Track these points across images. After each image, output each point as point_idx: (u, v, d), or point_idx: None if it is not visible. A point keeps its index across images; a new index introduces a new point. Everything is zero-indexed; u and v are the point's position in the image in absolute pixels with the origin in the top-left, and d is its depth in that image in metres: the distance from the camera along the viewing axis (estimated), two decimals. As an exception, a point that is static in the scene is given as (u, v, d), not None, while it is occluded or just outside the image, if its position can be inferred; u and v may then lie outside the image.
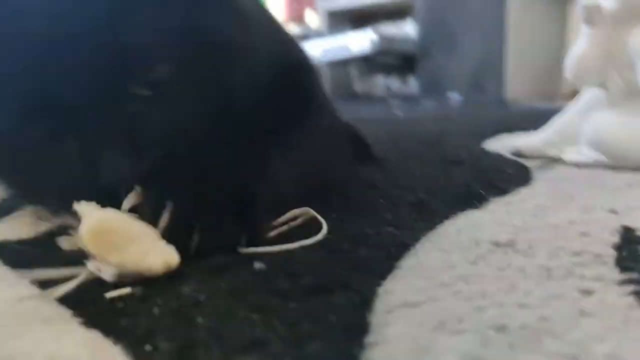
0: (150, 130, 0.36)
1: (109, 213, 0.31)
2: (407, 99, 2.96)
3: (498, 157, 0.73)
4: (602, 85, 0.62)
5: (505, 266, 0.31)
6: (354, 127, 0.71)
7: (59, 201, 0.38)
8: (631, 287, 0.27)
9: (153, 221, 0.32)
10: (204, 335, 0.23)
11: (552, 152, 0.68)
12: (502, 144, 0.84)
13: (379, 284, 0.29)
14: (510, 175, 0.60)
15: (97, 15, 0.34)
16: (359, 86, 3.16)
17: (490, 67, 2.63)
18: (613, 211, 0.42)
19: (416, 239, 0.37)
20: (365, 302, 0.27)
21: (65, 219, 0.37)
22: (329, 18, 3.21)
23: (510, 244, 0.34)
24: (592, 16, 0.61)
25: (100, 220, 0.30)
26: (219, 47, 0.39)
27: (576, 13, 2.13)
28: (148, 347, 0.23)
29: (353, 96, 2.93)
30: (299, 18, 3.19)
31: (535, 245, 0.34)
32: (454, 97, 2.75)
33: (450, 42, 2.78)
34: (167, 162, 0.37)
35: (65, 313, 0.26)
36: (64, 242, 0.34)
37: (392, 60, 3.13)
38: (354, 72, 3.14)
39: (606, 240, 0.34)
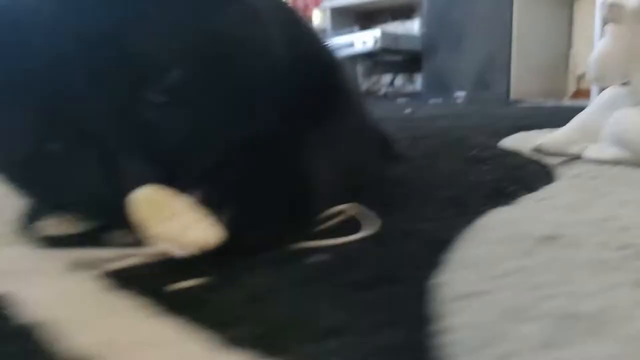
0: (171, 135, 0.36)
1: (159, 188, 0.32)
2: (413, 97, 2.97)
3: (519, 155, 0.74)
4: (626, 82, 0.63)
5: (553, 259, 0.32)
6: (379, 125, 0.72)
7: (83, 210, 0.39)
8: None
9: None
10: (283, 322, 0.24)
11: (574, 149, 0.69)
12: (520, 142, 0.85)
13: (433, 276, 0.30)
14: (535, 173, 0.61)
15: (108, 25, 0.34)
16: (364, 84, 3.16)
17: (496, 65, 2.64)
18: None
19: (457, 233, 0.38)
20: (425, 292, 0.28)
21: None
22: (333, 16, 3.21)
23: (554, 238, 0.35)
24: (615, 15, 0.62)
25: (150, 191, 0.31)
26: (233, 47, 0.39)
27: (581, 12, 2.13)
28: (230, 334, 0.24)
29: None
30: (305, 16, 3.19)
31: (579, 239, 0.35)
32: (460, 95, 2.76)
33: (456, 41, 2.79)
34: (199, 165, 0.37)
35: (141, 302, 0.27)
36: (112, 237, 0.35)
37: (398, 58, 3.13)
38: (359, 70, 3.14)
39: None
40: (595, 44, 2.37)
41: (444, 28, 2.86)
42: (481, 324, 0.24)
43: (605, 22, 0.63)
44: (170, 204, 0.31)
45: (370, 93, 3.03)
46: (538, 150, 0.73)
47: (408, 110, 1.83)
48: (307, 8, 3.16)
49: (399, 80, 3.46)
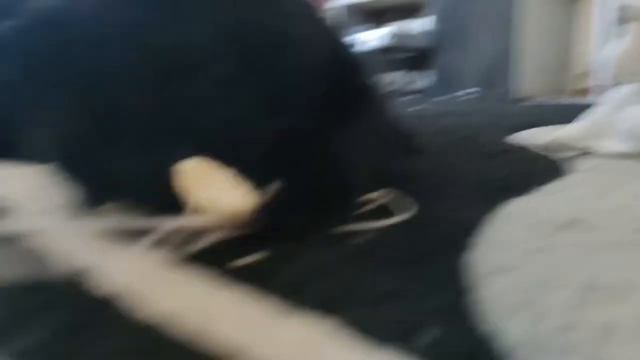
0: (214, 122, 0.38)
1: (202, 161, 0.35)
2: (421, 95, 2.99)
3: (531, 150, 0.77)
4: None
5: (574, 240, 0.35)
6: (399, 121, 0.75)
7: (131, 199, 0.40)
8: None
9: None
10: (341, 290, 0.28)
11: (585, 144, 0.72)
12: (530, 138, 0.88)
13: (464, 256, 0.33)
14: (549, 167, 0.64)
15: (161, 11, 0.37)
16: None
17: (502, 63, 2.66)
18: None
19: (481, 220, 0.41)
20: (459, 269, 0.31)
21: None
22: (343, 13, 3.23)
23: (572, 224, 0.38)
24: (629, 15, 0.65)
25: (193, 163, 0.34)
26: (275, 43, 0.42)
27: (584, 11, 2.15)
28: (294, 301, 0.27)
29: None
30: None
31: (596, 224, 0.38)
32: (468, 92, 2.79)
33: (463, 39, 2.82)
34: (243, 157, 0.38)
35: (208, 275, 0.30)
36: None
37: (407, 55, 3.16)
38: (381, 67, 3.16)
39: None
40: (597, 43, 2.40)
41: (452, 26, 2.88)
42: (512, 293, 0.28)
43: (621, 22, 0.66)
44: (210, 174, 0.34)
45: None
46: (550, 145, 0.76)
47: (416, 107, 1.85)
48: (320, 4, 3.18)
49: (408, 77, 3.48)
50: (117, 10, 0.38)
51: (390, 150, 0.59)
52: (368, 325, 0.24)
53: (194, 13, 0.39)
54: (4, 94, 0.45)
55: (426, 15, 3.06)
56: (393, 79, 3.29)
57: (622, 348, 0.22)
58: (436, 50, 2.96)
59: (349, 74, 0.55)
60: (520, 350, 0.23)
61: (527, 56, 2.64)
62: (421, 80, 3.26)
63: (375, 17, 3.31)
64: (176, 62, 0.37)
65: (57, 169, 0.44)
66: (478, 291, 0.28)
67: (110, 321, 0.25)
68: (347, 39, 0.61)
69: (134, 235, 0.34)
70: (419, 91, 3.17)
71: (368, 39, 2.89)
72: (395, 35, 2.95)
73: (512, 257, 0.33)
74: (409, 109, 1.77)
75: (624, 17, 0.67)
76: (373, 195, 0.44)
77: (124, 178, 0.39)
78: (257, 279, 0.29)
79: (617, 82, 0.72)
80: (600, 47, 2.34)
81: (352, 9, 3.17)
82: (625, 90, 0.70)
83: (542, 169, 0.61)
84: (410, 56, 3.17)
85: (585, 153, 0.71)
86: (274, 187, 0.35)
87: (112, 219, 0.37)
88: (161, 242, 0.33)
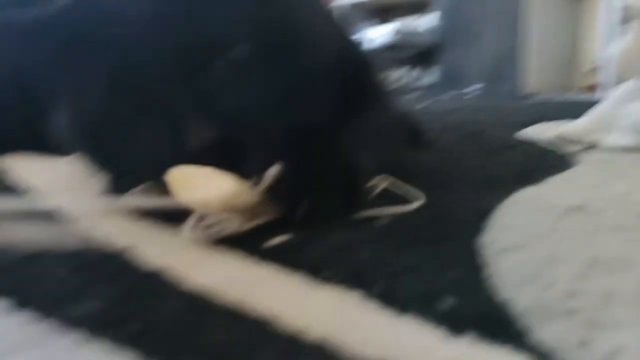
0: (232, 105, 0.39)
1: (189, 167, 0.35)
2: (427, 91, 3.01)
3: (540, 144, 0.79)
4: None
5: (580, 223, 0.37)
6: (409, 116, 0.77)
7: (151, 172, 0.41)
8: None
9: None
10: (366, 265, 0.30)
11: (593, 138, 0.74)
12: (538, 132, 0.91)
13: (478, 236, 0.36)
14: (556, 158, 0.67)
15: (180, 7, 0.38)
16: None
17: (508, 60, 2.68)
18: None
19: (494, 205, 0.43)
20: (474, 248, 0.34)
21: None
22: (348, 10, 3.25)
23: (580, 208, 0.41)
24: (631, 14, 0.67)
25: (179, 169, 0.35)
26: (296, 33, 0.43)
27: (591, 8, 2.15)
28: (323, 275, 0.30)
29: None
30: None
31: (602, 209, 0.40)
32: (472, 89, 2.80)
33: (469, 35, 2.83)
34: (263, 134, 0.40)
35: (242, 254, 0.33)
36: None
37: (412, 52, 3.18)
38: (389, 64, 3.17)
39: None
40: (605, 39, 2.41)
41: (458, 23, 2.90)
42: (521, 268, 0.30)
43: (624, 21, 0.68)
44: (196, 177, 0.34)
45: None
46: (559, 138, 0.78)
47: (424, 104, 1.88)
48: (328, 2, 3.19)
49: (413, 73, 3.50)
50: None
51: (400, 144, 0.62)
52: (390, 296, 0.27)
53: (219, 4, 0.41)
54: (34, 77, 0.47)
55: (431, 12, 3.07)
56: (399, 76, 3.30)
57: (622, 312, 0.25)
58: (441, 47, 2.97)
59: (359, 70, 0.57)
60: (528, 315, 0.25)
61: (533, 53, 2.65)
62: (426, 77, 3.28)
63: (380, 14, 3.33)
64: (199, 50, 0.38)
65: (83, 154, 0.47)
66: (490, 267, 0.31)
67: (159, 291, 0.28)
68: (356, 36, 0.64)
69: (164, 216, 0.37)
70: (425, 88, 3.19)
71: (373, 36, 2.90)
72: (400, 33, 2.97)
73: (522, 238, 0.35)
74: (416, 106, 1.79)
75: (627, 16, 0.69)
76: (384, 184, 0.46)
77: (146, 160, 0.40)
78: (287, 257, 0.32)
79: (620, 79, 0.74)
80: (607, 44, 2.35)
81: (357, 6, 3.19)
82: (627, 86, 0.72)
83: (549, 162, 0.64)
84: (415, 53, 3.18)
85: (591, 147, 0.73)
86: (273, 171, 0.35)
87: (143, 199, 0.39)
88: (198, 225, 0.35)
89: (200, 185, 0.34)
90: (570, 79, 2.82)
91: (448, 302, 0.26)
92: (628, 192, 0.45)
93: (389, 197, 0.45)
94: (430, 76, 3.18)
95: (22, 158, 0.64)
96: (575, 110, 1.37)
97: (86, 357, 0.22)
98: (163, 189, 0.36)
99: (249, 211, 0.35)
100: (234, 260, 0.32)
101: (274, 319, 0.25)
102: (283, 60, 0.42)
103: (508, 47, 2.65)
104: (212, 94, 0.39)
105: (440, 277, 0.29)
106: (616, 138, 0.70)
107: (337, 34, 0.55)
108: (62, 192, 0.48)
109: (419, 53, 3.16)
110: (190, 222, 0.35)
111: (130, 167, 0.43)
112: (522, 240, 0.35)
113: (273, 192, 0.35)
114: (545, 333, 0.23)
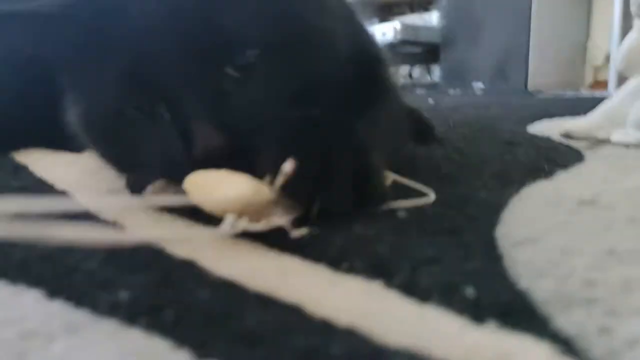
0: (242, 107, 0.39)
1: (205, 171, 0.35)
2: (431, 88, 3.01)
3: (548, 139, 0.80)
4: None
5: (595, 216, 0.38)
6: (419, 112, 0.78)
7: (160, 173, 0.42)
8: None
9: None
10: (387, 256, 0.31)
11: (600, 134, 0.75)
12: (547, 128, 0.91)
13: (493, 229, 0.37)
14: (566, 154, 0.67)
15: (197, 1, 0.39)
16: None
17: (514, 56, 2.67)
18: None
19: (507, 199, 0.44)
20: (490, 240, 0.35)
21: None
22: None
23: (593, 202, 0.41)
24: (636, 11, 0.68)
25: (195, 174, 0.36)
26: (308, 35, 0.43)
27: (599, 3, 2.16)
28: (345, 265, 0.31)
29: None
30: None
31: (614, 203, 0.41)
32: (478, 86, 2.80)
33: (474, 32, 2.83)
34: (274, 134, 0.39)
35: (265, 245, 0.34)
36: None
37: (416, 49, 3.18)
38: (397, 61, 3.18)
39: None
40: (613, 35, 2.41)
41: (462, 20, 2.89)
42: (539, 259, 0.31)
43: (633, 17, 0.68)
44: (213, 179, 0.35)
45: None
46: (567, 134, 0.79)
47: (430, 101, 1.88)
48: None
49: (417, 71, 3.50)
50: None
51: (410, 139, 0.62)
52: (412, 285, 0.28)
53: (231, 6, 0.41)
54: (48, 68, 0.48)
55: (438, 8, 3.07)
56: (407, 72, 3.30)
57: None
58: (448, 43, 2.97)
59: (372, 65, 0.58)
60: (548, 304, 0.26)
61: (542, 49, 2.65)
62: (434, 73, 3.28)
63: (387, 10, 3.33)
64: (211, 52, 0.39)
65: (93, 151, 0.47)
66: (507, 258, 0.32)
67: (189, 281, 0.28)
68: (374, 37, 0.64)
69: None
70: (432, 84, 3.19)
71: (380, 32, 2.90)
72: (407, 29, 2.97)
73: (536, 230, 0.36)
74: (425, 101, 1.80)
75: (637, 12, 0.69)
76: (399, 178, 0.47)
77: (155, 159, 0.41)
78: (308, 249, 0.33)
79: (627, 76, 0.75)
80: (618, 40, 2.35)
81: (364, 2, 3.19)
82: (636, 82, 0.73)
83: (559, 157, 0.64)
84: (422, 49, 3.18)
85: (600, 143, 0.74)
86: (288, 168, 0.35)
87: (163, 198, 0.40)
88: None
89: (218, 187, 0.34)
90: (579, 75, 2.82)
91: (469, 292, 0.27)
92: (638, 187, 0.46)
93: (397, 191, 0.46)
94: (438, 72, 3.18)
95: (39, 153, 0.65)
96: (583, 106, 1.38)
97: (122, 345, 0.23)
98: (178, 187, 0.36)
99: (268, 209, 0.35)
100: (258, 252, 0.33)
101: (302, 307, 0.26)
102: (295, 61, 0.42)
103: (517, 43, 2.65)
104: (223, 97, 0.39)
105: (459, 268, 0.30)
106: (623, 135, 0.71)
107: (350, 29, 0.55)
108: (82, 188, 0.49)
109: (426, 49, 3.16)
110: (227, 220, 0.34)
111: (140, 166, 0.43)
112: (536, 233, 0.35)
113: (288, 188, 0.35)
114: (565, 321, 0.24)
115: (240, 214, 0.33)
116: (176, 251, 0.32)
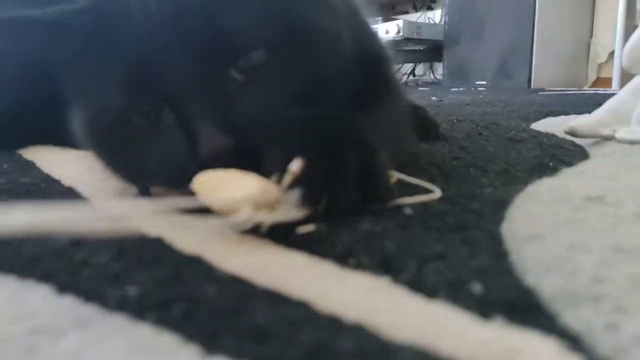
0: (245, 108, 0.39)
1: (213, 171, 0.35)
2: (434, 86, 3.01)
3: (553, 137, 0.80)
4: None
5: (601, 213, 0.38)
6: (423, 109, 0.78)
7: (165, 177, 0.42)
8: None
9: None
10: (395, 252, 0.31)
11: (606, 131, 0.74)
12: (550, 126, 0.91)
13: (500, 226, 0.37)
14: (571, 151, 0.67)
15: (203, 2, 0.39)
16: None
17: (518, 54, 2.67)
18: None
19: (513, 196, 0.44)
20: (497, 236, 0.35)
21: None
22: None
23: (600, 198, 0.41)
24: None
25: (203, 175, 0.35)
26: (313, 36, 0.43)
27: (603, 1, 2.16)
28: (352, 261, 0.31)
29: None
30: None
31: (621, 199, 0.41)
32: (481, 84, 2.79)
33: (477, 30, 2.82)
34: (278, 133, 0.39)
35: (273, 242, 0.34)
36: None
37: (420, 47, 3.17)
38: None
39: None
40: (617, 33, 2.40)
41: (466, 17, 2.89)
42: (545, 255, 0.31)
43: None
44: (222, 179, 0.35)
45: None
46: (571, 132, 0.78)
47: (434, 98, 1.88)
48: None
49: (420, 69, 3.50)
50: None
51: (414, 136, 0.62)
52: (419, 282, 0.28)
53: (236, 7, 0.41)
54: (55, 74, 0.48)
55: (441, 6, 3.06)
56: (410, 70, 3.30)
57: (647, 297, 0.25)
58: (452, 41, 2.96)
59: (377, 63, 0.58)
60: (555, 301, 0.26)
61: (545, 46, 2.64)
62: (437, 71, 3.27)
63: (390, 8, 3.33)
64: (218, 46, 0.38)
65: (98, 155, 0.47)
66: (514, 255, 0.32)
67: (198, 276, 0.29)
68: (379, 36, 0.64)
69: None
70: (435, 82, 3.18)
71: (383, 30, 2.90)
72: (410, 26, 2.96)
73: (542, 227, 0.36)
74: (428, 99, 1.79)
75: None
76: (404, 177, 0.47)
77: (159, 166, 0.41)
78: (315, 246, 0.33)
79: (633, 73, 0.75)
80: (622, 37, 2.35)
81: (368, 0, 3.18)
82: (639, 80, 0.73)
83: (564, 154, 0.64)
84: (426, 47, 3.18)
85: (605, 140, 0.74)
86: (295, 167, 0.34)
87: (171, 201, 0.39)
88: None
89: (226, 187, 0.34)
90: (582, 72, 2.81)
91: (476, 288, 0.27)
92: (646, 183, 0.46)
93: (403, 187, 0.46)
94: (437, 71, 3.17)
95: (46, 150, 0.66)
96: (586, 104, 1.37)
97: (132, 339, 0.23)
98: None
99: (275, 208, 0.35)
100: (265, 249, 0.33)
101: (310, 303, 0.26)
102: (300, 62, 0.42)
103: (520, 40, 2.64)
104: (227, 99, 0.39)
105: (466, 264, 0.30)
106: (628, 132, 0.71)
107: (354, 27, 0.55)
108: (89, 185, 0.49)
109: (429, 47, 3.15)
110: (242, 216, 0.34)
111: (145, 173, 0.43)
112: (543, 230, 0.35)
113: (296, 187, 0.35)
114: (572, 318, 0.24)
115: (249, 213, 0.33)
116: (184, 246, 0.32)
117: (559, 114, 1.17)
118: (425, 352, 0.22)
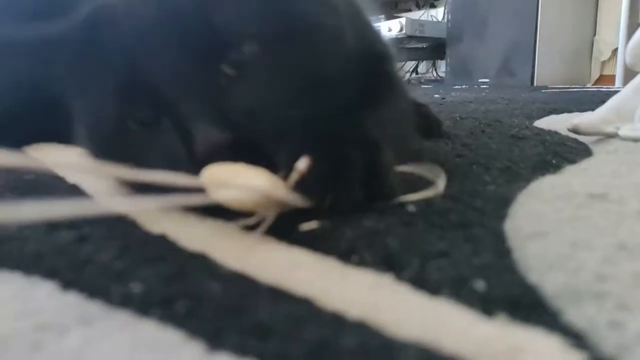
0: (240, 103, 0.38)
1: (221, 164, 0.35)
2: (437, 84, 3.00)
3: (557, 134, 0.79)
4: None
5: (605, 210, 0.38)
6: (426, 107, 0.78)
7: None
8: None
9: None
10: (398, 249, 0.31)
11: (609, 129, 0.74)
12: (553, 123, 0.91)
13: (502, 223, 0.37)
14: (574, 149, 0.67)
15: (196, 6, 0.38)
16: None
17: (521, 52, 2.66)
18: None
19: (516, 193, 0.44)
20: (500, 233, 0.35)
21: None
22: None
23: (603, 196, 0.41)
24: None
25: (212, 167, 0.35)
26: (306, 30, 0.42)
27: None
28: (355, 258, 0.31)
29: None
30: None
31: (624, 197, 0.41)
32: (484, 81, 2.79)
33: (480, 28, 2.82)
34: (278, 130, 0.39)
35: (276, 239, 0.34)
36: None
37: (422, 45, 3.17)
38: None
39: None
40: (620, 30, 2.39)
41: (469, 15, 2.88)
42: (548, 253, 0.31)
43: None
44: (231, 173, 0.34)
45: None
46: (574, 129, 0.78)
47: (437, 96, 1.88)
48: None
49: (423, 67, 3.49)
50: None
51: (417, 133, 0.62)
52: (422, 279, 0.28)
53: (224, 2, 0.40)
54: (56, 89, 0.49)
55: (444, 3, 3.06)
56: (413, 68, 3.29)
57: (651, 294, 0.25)
58: (454, 38, 2.96)
59: (380, 60, 0.58)
60: (558, 298, 0.26)
61: (548, 44, 2.63)
62: (440, 68, 3.26)
63: (393, 6, 3.32)
64: (207, 42, 0.38)
65: (98, 159, 0.48)
66: (517, 252, 0.32)
67: (201, 273, 0.29)
68: (381, 34, 0.64)
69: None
70: (438, 80, 3.18)
71: (386, 28, 2.90)
72: (413, 24, 2.96)
73: (545, 224, 0.36)
74: (431, 96, 1.79)
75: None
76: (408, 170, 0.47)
77: (162, 166, 0.40)
78: (318, 243, 0.33)
79: (637, 70, 0.74)
80: (625, 35, 2.34)
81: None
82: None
83: (567, 151, 0.64)
84: (428, 45, 3.17)
85: (608, 137, 0.74)
86: (302, 164, 0.34)
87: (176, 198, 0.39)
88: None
89: (235, 180, 0.34)
90: (585, 70, 2.81)
91: (479, 285, 0.27)
92: (649, 181, 0.46)
93: (405, 184, 0.46)
94: (439, 69, 3.17)
95: (50, 147, 0.66)
96: (589, 101, 1.37)
97: (136, 336, 0.23)
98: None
99: (280, 204, 0.35)
100: (268, 245, 0.33)
101: (313, 299, 0.26)
102: (296, 55, 0.41)
103: (523, 38, 2.64)
104: (220, 95, 0.38)
105: (469, 261, 0.30)
106: (633, 129, 0.70)
107: (356, 24, 0.55)
108: (92, 181, 0.49)
109: (432, 45, 3.15)
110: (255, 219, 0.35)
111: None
112: (545, 227, 0.35)
113: (301, 184, 0.35)
114: (575, 315, 0.24)
115: (256, 206, 0.33)
116: (187, 243, 0.33)
117: (562, 112, 1.17)
118: (428, 349, 0.22)
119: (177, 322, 0.24)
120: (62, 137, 0.61)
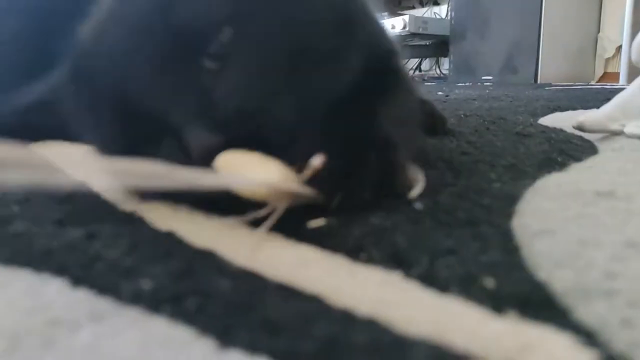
0: (230, 99, 0.36)
1: (237, 152, 0.34)
2: (440, 81, 3.00)
3: (562, 131, 0.79)
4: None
5: (611, 208, 0.38)
6: (431, 104, 0.78)
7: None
8: None
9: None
10: (406, 246, 0.31)
11: (614, 126, 0.74)
12: (558, 121, 0.91)
13: (509, 221, 0.37)
14: (579, 146, 0.67)
15: (148, 7, 0.37)
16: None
17: (524, 49, 2.66)
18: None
19: (522, 191, 0.44)
20: (507, 231, 0.35)
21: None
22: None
23: (610, 193, 0.41)
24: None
25: (226, 154, 0.34)
26: (290, 7, 0.39)
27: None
28: (363, 256, 0.31)
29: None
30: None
31: (632, 194, 0.41)
32: (488, 79, 2.78)
33: (484, 25, 2.81)
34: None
35: (282, 236, 0.34)
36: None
37: (426, 42, 3.16)
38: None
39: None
40: (624, 27, 2.38)
41: (472, 12, 2.87)
42: (557, 250, 0.31)
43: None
44: (244, 162, 0.34)
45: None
46: (580, 127, 0.78)
47: (440, 93, 1.87)
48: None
49: (426, 64, 3.48)
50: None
51: (422, 130, 0.62)
52: (431, 276, 0.28)
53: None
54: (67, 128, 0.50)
55: (448, 1, 3.05)
56: (416, 65, 3.29)
57: (661, 292, 0.25)
58: (458, 36, 2.95)
59: (385, 58, 0.58)
60: (568, 296, 0.26)
61: (552, 41, 2.63)
62: (443, 66, 3.26)
63: (396, 3, 3.31)
64: (178, 43, 0.36)
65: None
66: (525, 250, 0.32)
67: (210, 270, 0.29)
68: (387, 30, 0.64)
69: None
70: (442, 77, 3.17)
71: (390, 25, 2.89)
72: (417, 22, 2.95)
73: (553, 222, 0.36)
74: (435, 94, 1.79)
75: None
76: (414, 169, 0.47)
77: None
78: (326, 240, 0.33)
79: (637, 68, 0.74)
80: (629, 32, 2.33)
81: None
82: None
83: (573, 149, 0.64)
84: (432, 42, 3.17)
85: (614, 135, 0.74)
86: (318, 160, 0.33)
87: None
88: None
89: (248, 168, 0.33)
90: (589, 67, 2.80)
91: (488, 282, 0.27)
92: (656, 179, 0.46)
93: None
94: (442, 66, 3.16)
95: (57, 145, 0.66)
96: (593, 98, 1.37)
97: (147, 332, 0.23)
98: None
99: (291, 196, 0.35)
100: (276, 243, 0.33)
101: (322, 296, 0.26)
102: (277, 27, 0.38)
103: (527, 35, 2.63)
104: (205, 93, 0.36)
105: (477, 259, 0.30)
106: (635, 127, 0.70)
107: (361, 20, 0.54)
108: (99, 180, 0.49)
109: (435, 42, 3.14)
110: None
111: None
112: (553, 224, 0.35)
113: (313, 179, 0.34)
114: (585, 313, 0.24)
115: (267, 196, 0.33)
116: (195, 240, 0.33)
117: (566, 109, 1.17)
118: (439, 346, 0.22)
119: (188, 319, 0.24)
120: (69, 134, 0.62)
